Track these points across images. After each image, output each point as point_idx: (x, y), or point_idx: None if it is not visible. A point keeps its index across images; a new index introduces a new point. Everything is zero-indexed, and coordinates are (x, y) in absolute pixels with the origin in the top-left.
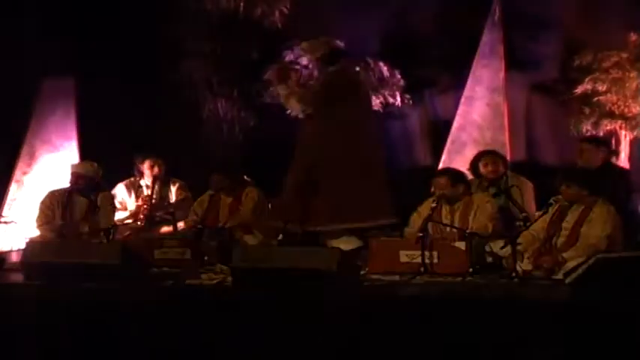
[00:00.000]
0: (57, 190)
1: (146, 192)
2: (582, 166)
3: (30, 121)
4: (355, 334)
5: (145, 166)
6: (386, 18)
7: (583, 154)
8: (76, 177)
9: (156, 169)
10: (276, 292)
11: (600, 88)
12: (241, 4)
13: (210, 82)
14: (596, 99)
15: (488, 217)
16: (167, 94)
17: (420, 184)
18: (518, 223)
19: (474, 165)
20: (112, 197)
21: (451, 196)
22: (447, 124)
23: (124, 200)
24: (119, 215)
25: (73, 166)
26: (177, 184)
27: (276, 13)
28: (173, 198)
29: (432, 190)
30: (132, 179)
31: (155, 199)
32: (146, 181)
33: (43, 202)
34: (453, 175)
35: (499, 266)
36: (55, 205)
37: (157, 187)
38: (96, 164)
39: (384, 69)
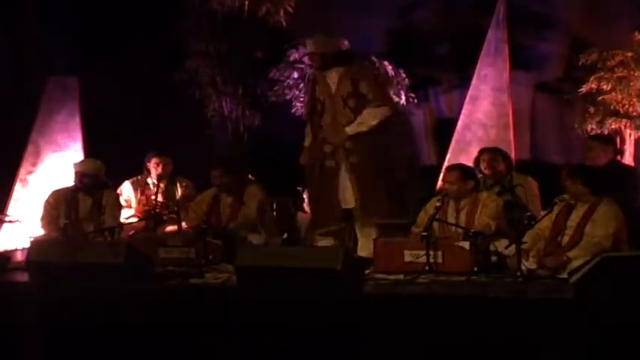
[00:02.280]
0: (61, 189)
1: (152, 190)
2: (589, 164)
3: (34, 121)
4: (359, 333)
5: (151, 165)
6: (391, 17)
7: (590, 152)
8: (81, 175)
9: (160, 168)
10: (280, 291)
11: (605, 87)
12: (246, 2)
13: (214, 81)
14: (600, 98)
15: (492, 216)
16: (172, 93)
17: (425, 183)
18: (523, 222)
19: (476, 162)
20: (117, 195)
21: (459, 192)
22: (452, 123)
23: (130, 198)
24: (124, 213)
25: (77, 165)
26: (184, 184)
27: (281, 12)
28: (179, 197)
29: (440, 184)
30: (139, 177)
31: (161, 197)
32: (153, 179)
33: (47, 202)
34: (465, 170)
35: (504, 265)
36: (60, 204)
37: (162, 185)
38: (99, 161)
39: (389, 68)
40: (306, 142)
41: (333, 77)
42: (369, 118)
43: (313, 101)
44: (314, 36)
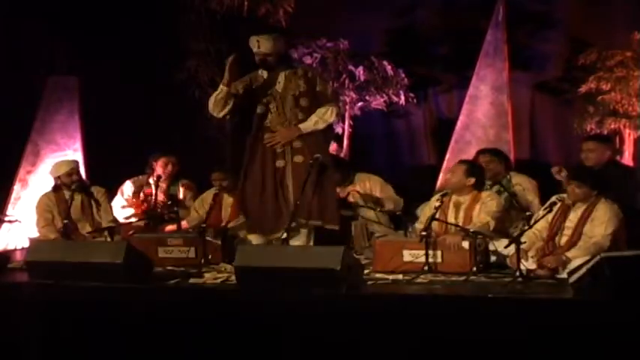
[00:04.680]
0: (49, 192)
1: (153, 190)
2: (589, 166)
3: (34, 120)
4: (359, 333)
5: (158, 165)
6: (390, 17)
7: (590, 153)
8: (75, 174)
9: (169, 168)
10: (280, 291)
11: (604, 86)
12: (245, 2)
13: (214, 81)
14: (600, 98)
15: (491, 214)
16: (171, 93)
17: (424, 183)
18: (521, 222)
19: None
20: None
21: (459, 186)
22: (451, 123)
23: (130, 197)
24: (125, 213)
25: (66, 164)
26: (184, 184)
27: (281, 12)
28: (180, 197)
29: (439, 183)
30: (140, 177)
31: (162, 197)
32: (155, 179)
33: (39, 206)
34: (472, 167)
35: (503, 265)
36: (52, 207)
37: (164, 185)
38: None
39: (388, 68)
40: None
41: (277, 77)
42: (327, 116)
43: (254, 103)
44: (261, 36)
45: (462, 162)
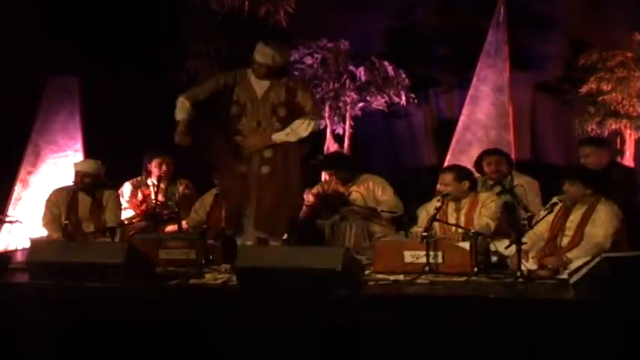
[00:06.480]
0: (62, 188)
1: (151, 191)
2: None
3: (34, 121)
4: (359, 333)
5: (153, 165)
6: (390, 17)
7: (588, 158)
8: (82, 175)
9: (164, 168)
10: (280, 291)
11: (605, 87)
12: (246, 3)
13: None
14: (600, 98)
15: (491, 216)
16: (172, 93)
17: (425, 184)
18: (523, 223)
19: (478, 164)
20: (117, 195)
21: (456, 193)
22: (452, 124)
23: (129, 199)
24: (125, 214)
25: (78, 165)
26: (183, 184)
27: (282, 12)
28: (179, 197)
29: (438, 187)
30: (139, 178)
31: (162, 197)
32: (153, 179)
33: (49, 201)
34: (459, 171)
35: (504, 266)
36: (61, 203)
37: (162, 185)
38: (99, 162)
39: (389, 68)
40: (181, 116)
41: (261, 83)
42: (301, 130)
43: (230, 103)
44: (274, 49)
45: (446, 170)
